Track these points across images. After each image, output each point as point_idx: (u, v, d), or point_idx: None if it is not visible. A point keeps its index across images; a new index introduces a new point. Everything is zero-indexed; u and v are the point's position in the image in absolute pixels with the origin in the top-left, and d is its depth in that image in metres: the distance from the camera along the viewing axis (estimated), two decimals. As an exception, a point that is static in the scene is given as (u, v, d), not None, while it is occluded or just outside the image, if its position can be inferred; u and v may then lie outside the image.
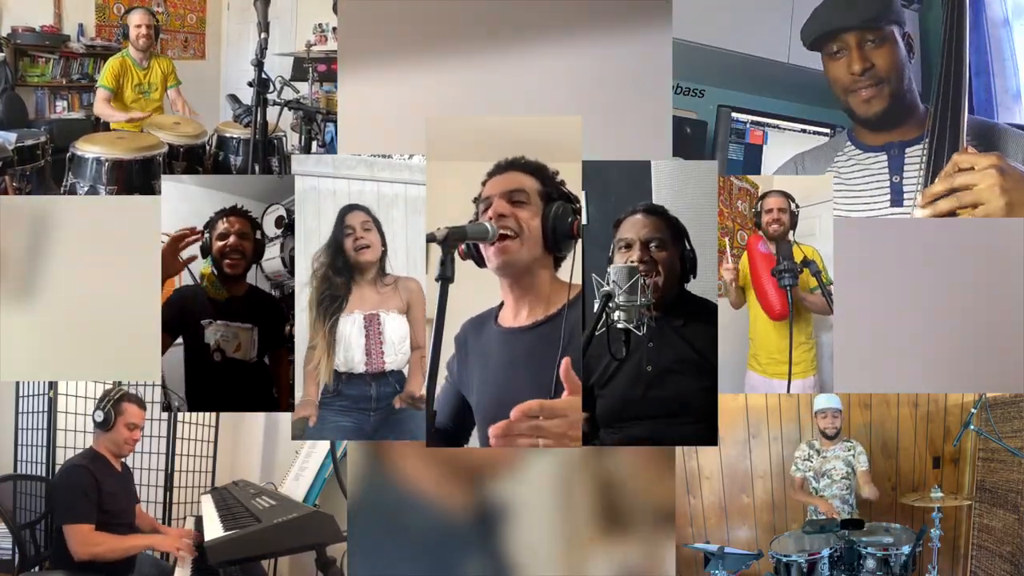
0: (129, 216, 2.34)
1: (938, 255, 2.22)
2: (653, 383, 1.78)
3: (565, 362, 1.56)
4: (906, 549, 2.46)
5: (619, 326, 1.77)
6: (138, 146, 2.97)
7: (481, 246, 1.68)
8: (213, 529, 2.13)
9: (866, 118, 2.24)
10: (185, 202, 2.35)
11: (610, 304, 1.76)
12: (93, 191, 2.86)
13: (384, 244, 2.31)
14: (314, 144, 2.98)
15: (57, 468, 2.59)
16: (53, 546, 2.44)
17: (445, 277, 1.58)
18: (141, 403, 2.53)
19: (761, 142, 2.70)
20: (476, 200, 1.74)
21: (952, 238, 2.21)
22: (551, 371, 1.58)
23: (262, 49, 2.68)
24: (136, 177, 2.91)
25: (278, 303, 2.35)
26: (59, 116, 3.77)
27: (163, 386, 2.27)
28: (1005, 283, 2.24)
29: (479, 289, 1.72)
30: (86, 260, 2.27)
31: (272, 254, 2.37)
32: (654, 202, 2.07)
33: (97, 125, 3.46)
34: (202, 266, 2.31)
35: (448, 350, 1.76)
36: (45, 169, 3.02)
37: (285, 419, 2.46)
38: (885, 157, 2.26)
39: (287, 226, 2.33)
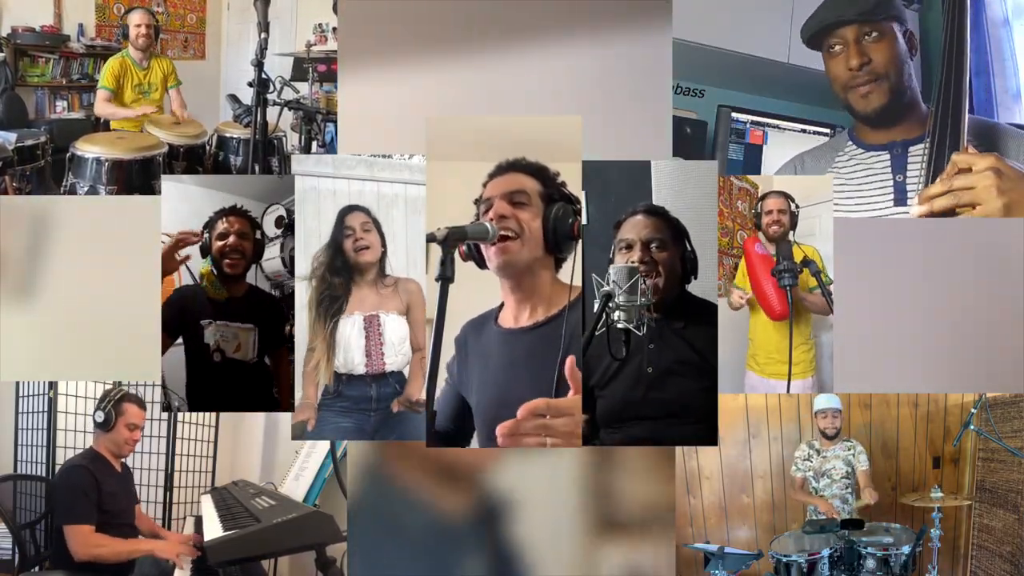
0: (129, 216, 2.34)
1: (938, 255, 2.22)
2: (654, 384, 1.78)
3: (570, 360, 1.56)
4: (906, 549, 2.46)
5: (619, 326, 1.78)
6: (138, 146, 2.97)
7: (482, 247, 1.68)
8: (213, 529, 2.13)
9: (865, 114, 2.24)
10: (185, 202, 2.35)
11: (610, 304, 1.76)
12: (93, 191, 2.86)
13: (384, 245, 2.31)
14: (314, 144, 2.98)
15: (57, 468, 2.59)
16: (53, 546, 2.44)
17: (445, 277, 1.58)
18: (141, 403, 2.53)
19: (761, 142, 2.70)
20: (477, 201, 1.74)
21: (952, 238, 2.21)
22: (551, 372, 1.58)
23: (262, 49, 2.68)
24: (136, 177, 2.90)
25: (278, 302, 2.35)
26: (59, 116, 3.77)
27: (163, 386, 2.27)
28: (1005, 283, 2.24)
29: (479, 290, 1.72)
30: (86, 260, 2.27)
31: (272, 254, 2.37)
32: (654, 202, 2.08)
33: (97, 125, 3.45)
34: (202, 266, 2.31)
35: (448, 352, 1.76)
36: (45, 169, 3.02)
37: (285, 419, 2.46)
38: (888, 156, 2.26)
39: (287, 226, 2.32)
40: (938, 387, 2.57)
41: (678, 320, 1.82)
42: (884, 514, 2.73)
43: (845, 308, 2.24)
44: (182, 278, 2.32)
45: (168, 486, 2.86)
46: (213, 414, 2.95)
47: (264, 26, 2.69)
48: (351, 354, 2.25)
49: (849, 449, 2.76)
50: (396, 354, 2.29)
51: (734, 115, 2.69)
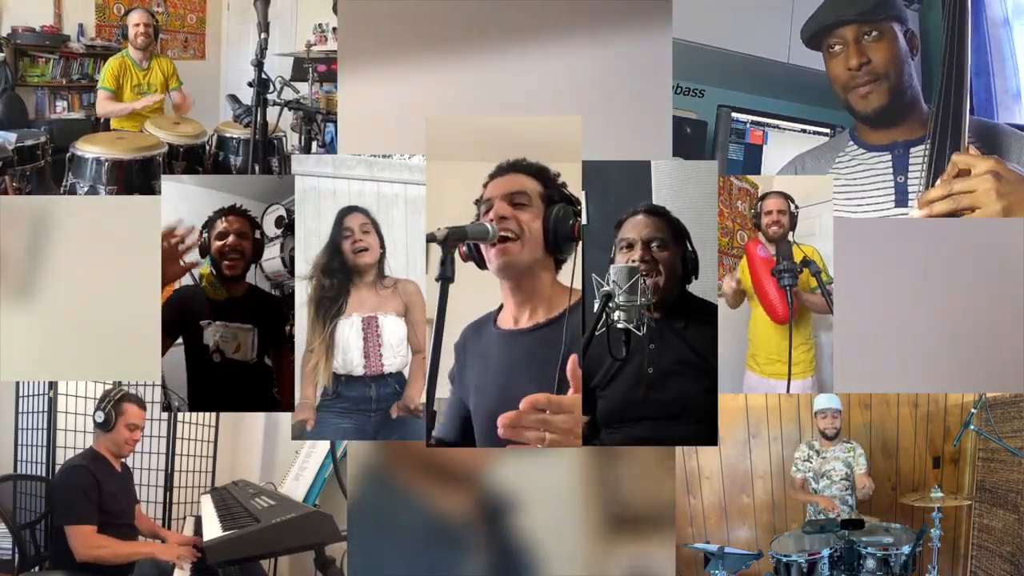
0: (129, 216, 2.34)
1: (938, 255, 2.22)
2: (654, 385, 1.78)
3: (572, 359, 1.56)
4: (906, 549, 2.46)
5: (619, 326, 1.78)
6: (138, 146, 2.97)
7: (482, 248, 1.68)
8: (212, 529, 2.13)
9: (865, 114, 2.24)
10: (185, 202, 2.35)
11: (610, 304, 1.76)
12: (93, 191, 2.86)
13: (383, 246, 2.30)
14: (314, 144, 2.98)
15: (57, 468, 2.59)
16: (53, 546, 2.45)
17: (445, 277, 1.58)
18: (141, 403, 2.53)
19: (761, 142, 2.70)
20: (478, 202, 1.74)
21: (952, 238, 2.21)
22: (551, 373, 1.58)
23: (262, 49, 2.68)
24: (136, 177, 2.91)
25: (279, 301, 2.35)
26: (59, 116, 3.77)
27: (163, 386, 2.27)
28: (1005, 283, 2.23)
29: (479, 290, 1.72)
30: (86, 260, 2.27)
31: (272, 254, 2.37)
32: (654, 202, 2.08)
33: (97, 125, 3.45)
34: (201, 266, 2.31)
35: (448, 357, 1.75)
36: (45, 169, 3.02)
37: (285, 419, 2.46)
38: (889, 157, 2.26)
39: (287, 226, 2.32)
40: (938, 387, 2.57)
41: (679, 320, 1.82)
42: (884, 514, 2.73)
43: (845, 308, 2.24)
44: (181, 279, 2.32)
45: (168, 486, 2.86)
46: (213, 414, 2.94)
47: (264, 26, 2.69)
48: (349, 355, 2.25)
49: (849, 451, 2.76)
50: (394, 355, 2.29)
51: (734, 115, 2.69)
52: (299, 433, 2.26)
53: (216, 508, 2.42)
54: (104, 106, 3.37)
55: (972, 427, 2.53)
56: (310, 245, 2.26)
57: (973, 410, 2.52)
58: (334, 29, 3.50)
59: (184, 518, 2.88)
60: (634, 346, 1.79)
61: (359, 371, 2.26)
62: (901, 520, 2.72)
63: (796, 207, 2.35)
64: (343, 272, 2.26)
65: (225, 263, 2.30)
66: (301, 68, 3.39)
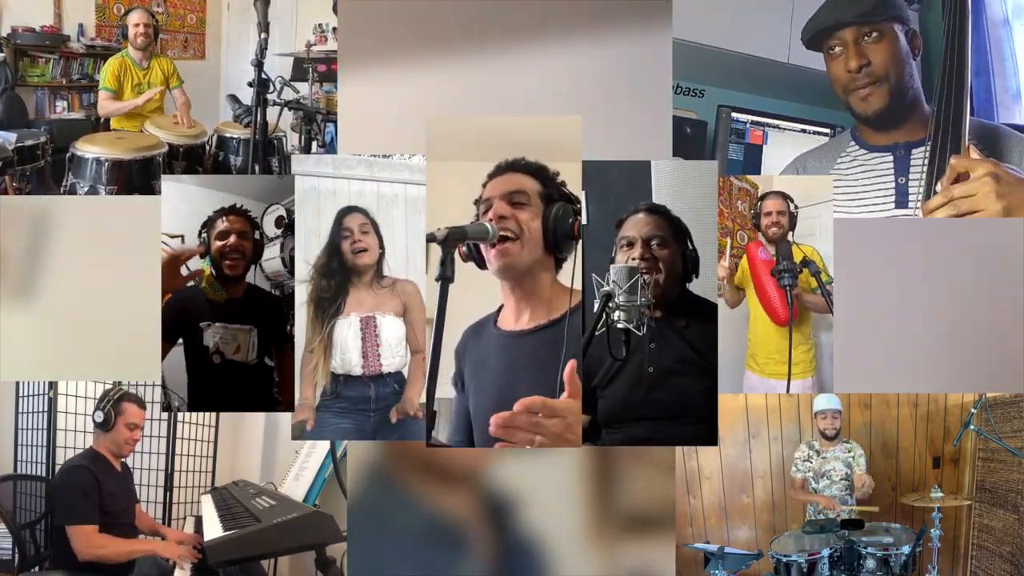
0: (129, 216, 2.34)
1: (938, 255, 2.22)
2: (655, 384, 1.78)
3: (571, 364, 1.56)
4: (906, 549, 2.46)
5: (619, 326, 1.77)
6: (138, 146, 2.98)
7: (482, 248, 1.68)
8: (213, 529, 2.14)
9: (866, 116, 2.23)
10: (185, 202, 2.35)
11: (610, 304, 1.76)
12: (93, 191, 2.86)
13: (382, 246, 2.30)
14: (314, 144, 2.98)
15: (57, 468, 2.59)
16: (53, 546, 2.44)
17: (445, 277, 1.58)
18: (141, 403, 2.53)
19: (761, 142, 2.70)
20: (477, 201, 1.74)
21: (952, 238, 2.21)
22: (551, 375, 1.58)
23: (262, 49, 2.68)
24: (136, 177, 2.91)
25: (279, 301, 2.35)
26: (59, 116, 3.77)
27: (163, 386, 2.27)
28: (1005, 283, 2.23)
29: (479, 290, 1.72)
30: (86, 260, 2.27)
31: (272, 254, 2.37)
32: (655, 202, 2.08)
33: (97, 125, 3.46)
34: (200, 267, 2.31)
35: (449, 359, 1.75)
36: (45, 169, 3.02)
37: (285, 419, 2.46)
38: (891, 158, 2.26)
39: (287, 226, 2.32)
40: (938, 387, 2.57)
41: (679, 319, 1.82)
42: (884, 514, 2.73)
43: (845, 308, 2.24)
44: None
45: (168, 486, 2.86)
46: (213, 414, 2.94)
47: (264, 26, 2.69)
48: (348, 355, 2.25)
49: (849, 451, 2.76)
50: (393, 355, 2.29)
51: (734, 115, 2.69)
52: (299, 433, 2.26)
53: (217, 508, 2.42)
54: (106, 106, 3.37)
55: (972, 427, 2.53)
56: (310, 245, 2.26)
57: (973, 410, 2.52)
58: (334, 29, 3.50)
59: (184, 518, 2.88)
60: (634, 346, 1.79)
61: (357, 371, 2.26)
62: (901, 520, 2.72)
63: (796, 207, 2.35)
64: (342, 272, 2.26)
65: (226, 263, 2.30)
66: (301, 68, 3.39)
